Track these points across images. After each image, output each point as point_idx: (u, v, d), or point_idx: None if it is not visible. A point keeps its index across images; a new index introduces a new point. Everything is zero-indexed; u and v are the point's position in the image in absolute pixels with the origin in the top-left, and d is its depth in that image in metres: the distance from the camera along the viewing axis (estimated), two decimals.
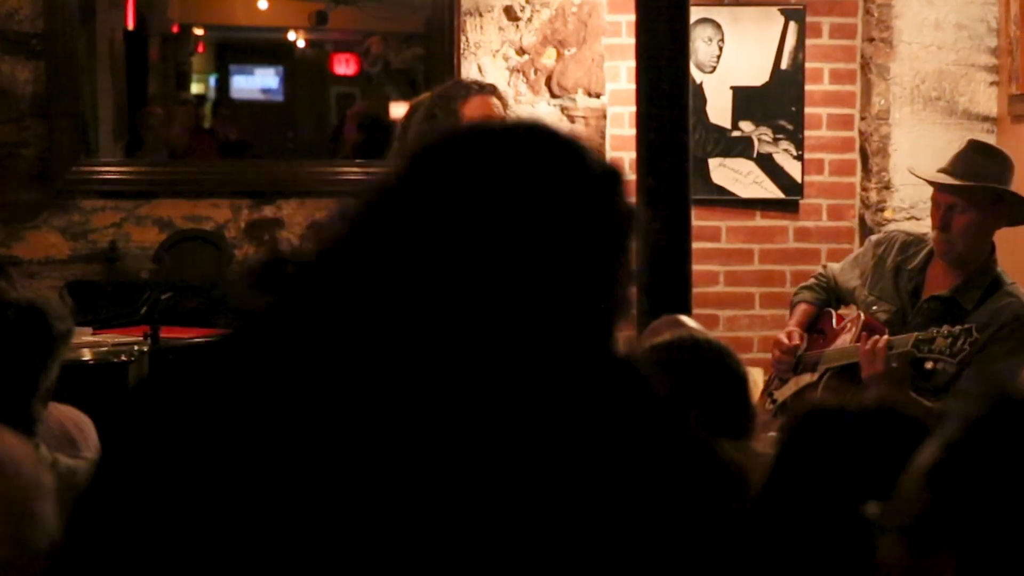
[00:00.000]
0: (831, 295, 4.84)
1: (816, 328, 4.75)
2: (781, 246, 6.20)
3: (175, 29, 7.90)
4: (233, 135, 7.95)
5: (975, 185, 4.41)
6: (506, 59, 6.08)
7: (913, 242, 4.64)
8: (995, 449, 1.39)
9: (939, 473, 1.41)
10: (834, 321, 4.75)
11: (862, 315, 4.59)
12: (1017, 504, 1.37)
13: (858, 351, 4.41)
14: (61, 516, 2.97)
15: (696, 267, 4.55)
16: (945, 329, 4.21)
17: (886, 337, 4.33)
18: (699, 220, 5.92)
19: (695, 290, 4.43)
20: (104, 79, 6.37)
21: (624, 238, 1.59)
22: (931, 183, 4.52)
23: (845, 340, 4.59)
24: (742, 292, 6.05)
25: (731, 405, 2.67)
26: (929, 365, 4.29)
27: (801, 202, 6.27)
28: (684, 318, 3.26)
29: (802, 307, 4.79)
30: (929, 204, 5.12)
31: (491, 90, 5.03)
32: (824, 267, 4.93)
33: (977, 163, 4.47)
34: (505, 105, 5.00)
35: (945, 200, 4.46)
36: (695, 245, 4.45)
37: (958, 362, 4.20)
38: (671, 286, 4.19)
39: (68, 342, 3.13)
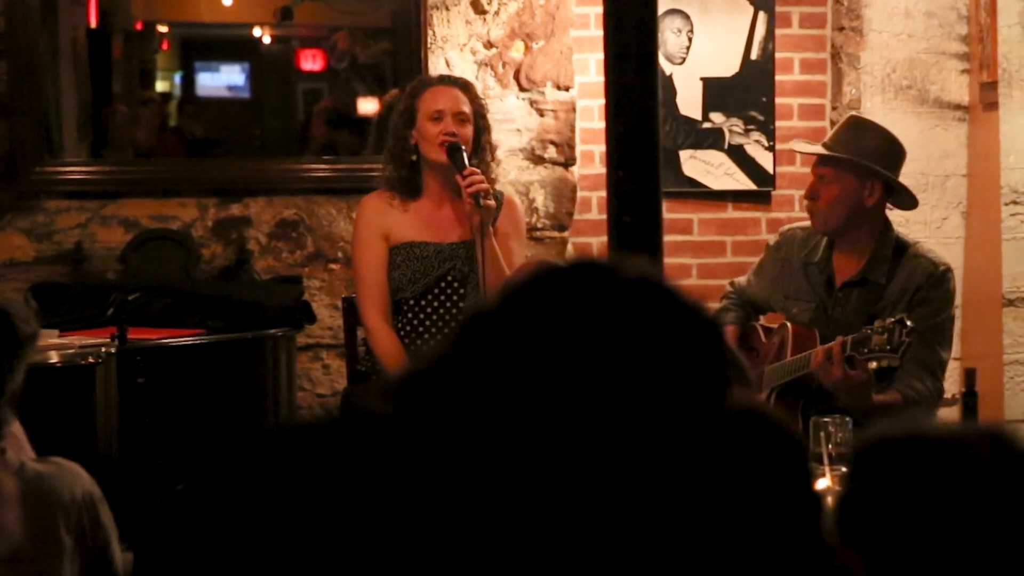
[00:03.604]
0: (747, 309, 4.88)
1: (746, 346, 4.75)
2: (754, 238, 6.17)
3: (138, 26, 7.84)
4: (199, 133, 7.90)
5: (836, 156, 4.54)
6: (474, 53, 6.03)
7: (811, 234, 4.73)
8: (873, 492, 1.67)
9: (838, 516, 1.68)
10: (762, 336, 4.77)
11: (788, 324, 4.61)
12: (904, 534, 1.64)
13: (800, 364, 4.42)
14: (25, 522, 2.93)
15: (668, 260, 4.53)
16: (877, 325, 4.23)
17: (839, 339, 4.32)
18: (671, 213, 5.91)
19: None
20: (67, 78, 6.30)
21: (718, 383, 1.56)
22: (802, 153, 4.66)
23: (782, 355, 4.58)
24: (715, 285, 5.99)
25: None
26: (874, 365, 4.27)
27: (773, 193, 6.25)
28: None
29: (728, 329, 4.78)
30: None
31: (454, 81, 5.01)
32: (731, 283, 4.97)
33: (848, 137, 4.61)
34: (480, 102, 4.98)
35: (817, 171, 4.61)
36: (667, 238, 4.41)
37: (901, 355, 4.19)
38: None
39: (34, 345, 3.09)
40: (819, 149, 4.63)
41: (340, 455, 1.50)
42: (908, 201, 4.67)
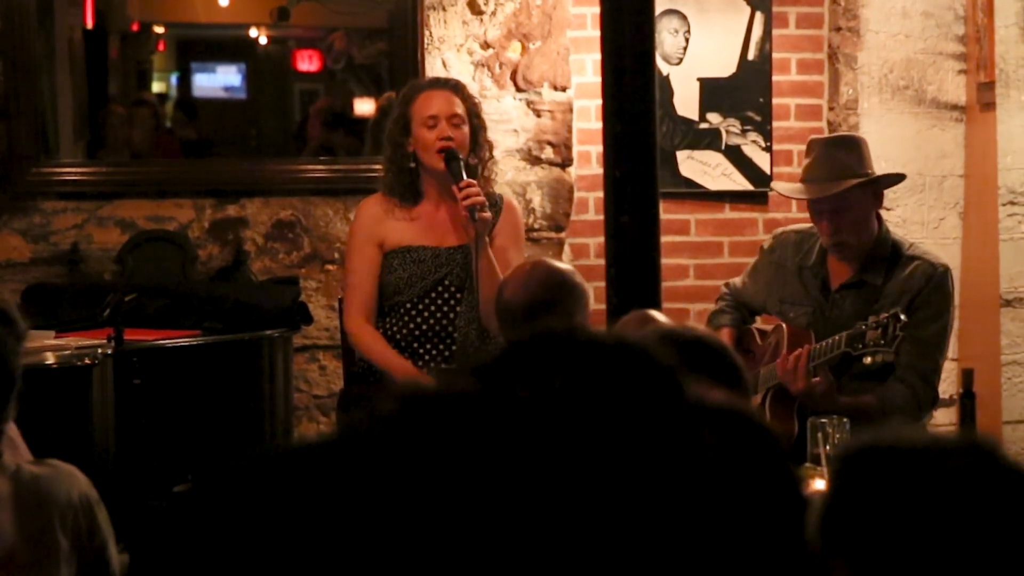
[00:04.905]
0: (743, 311, 4.87)
1: (742, 348, 4.74)
2: (751, 238, 6.16)
3: (135, 27, 7.85)
4: (195, 134, 7.90)
5: (853, 185, 4.46)
6: (470, 53, 6.03)
7: (804, 238, 4.70)
8: (857, 498, 1.72)
9: (822, 521, 1.70)
10: (758, 338, 4.76)
11: (784, 325, 4.60)
12: (888, 545, 1.68)
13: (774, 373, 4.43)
14: (21, 524, 2.92)
15: (665, 261, 4.52)
16: (871, 320, 4.24)
17: (806, 348, 4.33)
18: (668, 213, 5.90)
19: (664, 284, 4.40)
20: (63, 78, 6.30)
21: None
22: (808, 199, 4.56)
23: (777, 355, 4.57)
24: (712, 286, 6.00)
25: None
26: (868, 360, 4.28)
27: (771, 194, 6.24)
28: (653, 313, 3.22)
29: (724, 332, 4.77)
30: (896, 192, 5.11)
31: (444, 84, 5.00)
32: (726, 284, 4.96)
33: (841, 159, 4.53)
34: (472, 101, 4.97)
35: (827, 207, 4.49)
36: (664, 239, 4.42)
37: (895, 349, 4.21)
38: (640, 280, 4.16)
39: (23, 344, 3.08)
40: (826, 190, 4.48)
41: (342, 469, 1.50)
42: (896, 179, 4.72)
